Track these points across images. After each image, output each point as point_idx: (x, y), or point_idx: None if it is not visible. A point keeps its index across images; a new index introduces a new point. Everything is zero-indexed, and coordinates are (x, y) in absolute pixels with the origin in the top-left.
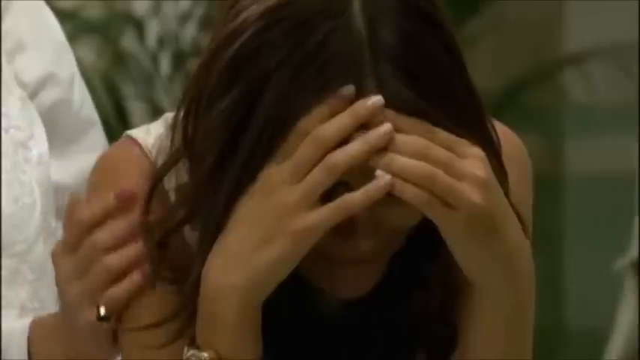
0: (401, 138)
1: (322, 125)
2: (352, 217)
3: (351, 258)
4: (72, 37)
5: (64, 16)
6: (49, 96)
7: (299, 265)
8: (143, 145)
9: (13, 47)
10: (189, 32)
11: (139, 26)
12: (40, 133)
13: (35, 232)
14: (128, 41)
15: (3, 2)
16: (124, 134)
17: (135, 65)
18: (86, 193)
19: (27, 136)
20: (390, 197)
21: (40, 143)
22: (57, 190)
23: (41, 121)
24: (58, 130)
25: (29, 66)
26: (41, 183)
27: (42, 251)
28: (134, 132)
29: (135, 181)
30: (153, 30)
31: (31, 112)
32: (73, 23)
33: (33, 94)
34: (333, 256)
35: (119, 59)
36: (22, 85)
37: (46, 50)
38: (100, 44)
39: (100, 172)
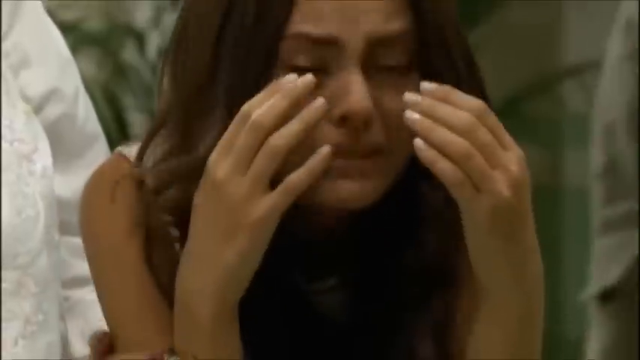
0: (451, 112)
1: (257, 111)
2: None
3: (354, 149)
4: (73, 49)
5: (65, 29)
6: (53, 111)
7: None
8: (132, 160)
9: (18, 62)
10: None
11: (139, 38)
12: (45, 146)
13: (39, 245)
14: (129, 53)
15: (10, 17)
16: (115, 150)
17: (135, 77)
18: (79, 209)
19: (31, 149)
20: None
21: (44, 157)
22: (60, 204)
23: (45, 135)
24: (63, 145)
25: (34, 81)
26: (45, 196)
27: (45, 264)
28: (125, 149)
29: (126, 195)
30: (153, 42)
31: (35, 125)
32: (74, 35)
33: (38, 108)
34: (338, 160)
35: (120, 71)
36: (26, 99)
37: (51, 65)
38: (101, 56)
39: (92, 187)
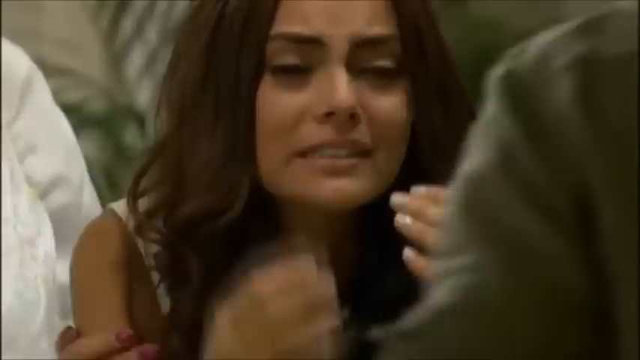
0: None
1: (272, 305)
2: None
3: (341, 147)
4: (75, 131)
5: (67, 111)
6: (58, 199)
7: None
8: (124, 217)
9: (25, 148)
10: None
11: (140, 120)
12: (48, 231)
13: (39, 329)
14: (130, 135)
15: (18, 102)
16: (107, 207)
17: (136, 159)
18: (70, 265)
19: (34, 233)
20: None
21: (47, 241)
22: (62, 289)
23: (49, 221)
24: (66, 231)
25: (40, 167)
26: (46, 281)
27: (46, 348)
28: (116, 205)
29: (114, 249)
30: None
31: (39, 210)
32: (76, 117)
33: (43, 194)
34: (324, 160)
35: (121, 153)
36: (32, 184)
37: (58, 152)
38: (103, 138)
39: (83, 237)
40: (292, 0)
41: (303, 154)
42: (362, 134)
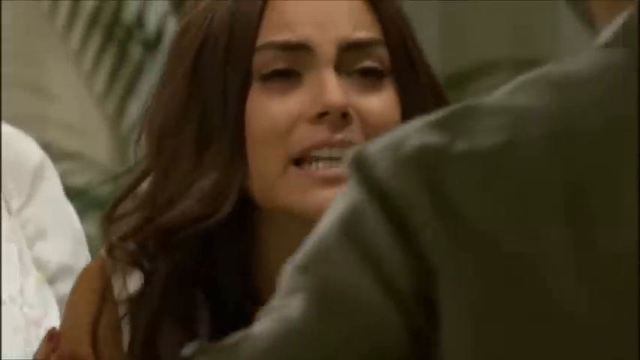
0: None
1: None
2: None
3: (334, 146)
4: (80, 214)
5: (73, 194)
6: (65, 287)
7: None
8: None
9: (34, 233)
10: None
11: None
12: (54, 313)
13: None
14: None
15: (29, 188)
16: (98, 253)
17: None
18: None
19: (41, 315)
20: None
21: (53, 323)
22: None
23: (56, 304)
24: None
25: (48, 253)
26: None
27: None
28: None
29: (91, 283)
30: None
31: (46, 293)
32: (81, 200)
33: (50, 280)
34: (318, 166)
35: None
36: (40, 268)
37: (66, 240)
38: None
39: (74, 286)
40: (276, 10)
41: (298, 161)
42: (354, 134)
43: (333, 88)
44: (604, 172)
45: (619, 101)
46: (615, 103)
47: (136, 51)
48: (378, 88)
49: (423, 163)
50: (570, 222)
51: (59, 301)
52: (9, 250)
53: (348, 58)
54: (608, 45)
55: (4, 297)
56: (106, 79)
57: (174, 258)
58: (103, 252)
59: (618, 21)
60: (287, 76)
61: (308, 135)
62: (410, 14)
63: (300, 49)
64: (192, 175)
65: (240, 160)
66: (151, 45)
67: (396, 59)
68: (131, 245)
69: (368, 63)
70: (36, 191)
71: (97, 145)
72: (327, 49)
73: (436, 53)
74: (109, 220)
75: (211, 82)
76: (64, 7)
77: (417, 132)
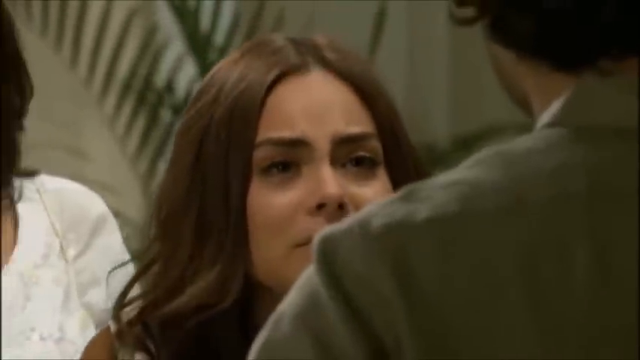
0: None
1: None
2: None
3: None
4: None
5: None
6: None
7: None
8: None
9: (88, 281)
10: None
11: None
12: None
13: None
14: None
15: (86, 240)
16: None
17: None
18: None
19: (76, 350)
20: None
21: None
22: None
23: None
24: None
25: (100, 300)
26: None
27: None
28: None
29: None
30: None
31: (90, 334)
32: None
33: (99, 324)
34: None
35: None
36: (90, 312)
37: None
38: None
39: (82, 356)
40: (274, 108)
41: (301, 244)
42: None
43: (330, 181)
44: (554, 242)
45: (565, 176)
46: (562, 178)
47: (166, 115)
48: (371, 178)
49: (389, 239)
50: (524, 293)
51: None
52: (55, 293)
53: (343, 151)
54: (550, 126)
55: (43, 333)
56: (138, 141)
57: (176, 345)
58: (110, 324)
59: (556, 105)
60: (286, 169)
61: (308, 225)
62: (418, 78)
63: (297, 145)
64: (193, 264)
65: (243, 249)
66: (180, 109)
67: (388, 150)
68: (138, 328)
69: (361, 153)
70: (94, 241)
71: (130, 203)
72: (322, 143)
73: (445, 115)
74: (120, 305)
75: (213, 175)
76: (99, 74)
77: (382, 208)
